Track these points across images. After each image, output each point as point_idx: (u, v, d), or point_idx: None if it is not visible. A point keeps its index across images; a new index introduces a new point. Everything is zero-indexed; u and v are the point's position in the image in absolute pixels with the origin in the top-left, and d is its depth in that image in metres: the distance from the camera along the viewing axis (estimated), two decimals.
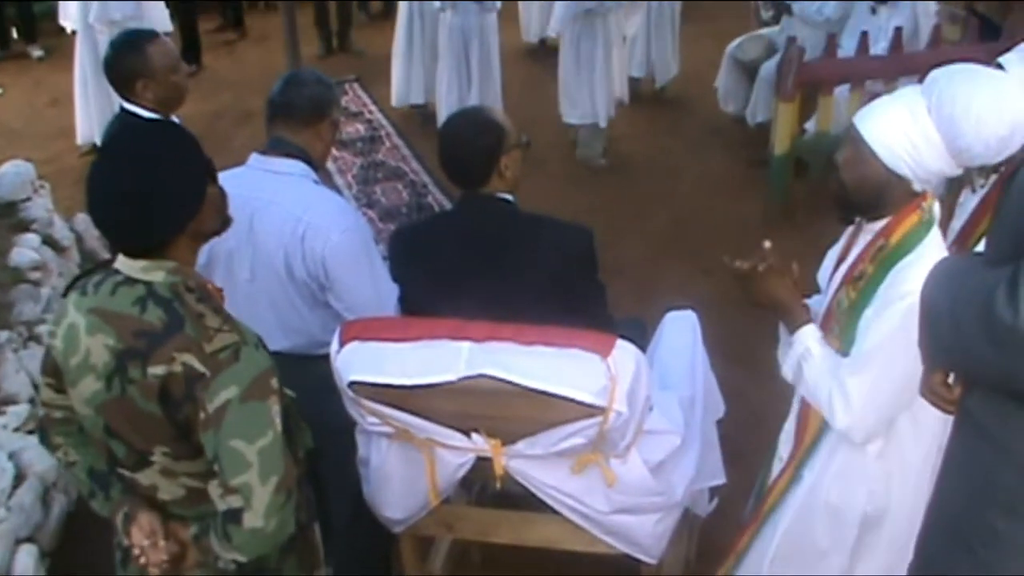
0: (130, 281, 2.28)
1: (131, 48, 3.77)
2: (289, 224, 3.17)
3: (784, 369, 2.87)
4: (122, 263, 2.31)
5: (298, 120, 3.32)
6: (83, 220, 5.83)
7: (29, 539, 3.66)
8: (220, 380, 2.20)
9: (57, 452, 2.61)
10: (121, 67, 3.75)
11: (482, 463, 2.98)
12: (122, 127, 3.69)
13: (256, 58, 9.98)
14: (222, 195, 2.44)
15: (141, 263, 2.27)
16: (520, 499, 3.21)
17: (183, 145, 2.34)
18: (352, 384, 2.87)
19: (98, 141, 7.17)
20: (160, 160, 2.28)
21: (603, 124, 7.39)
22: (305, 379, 2.70)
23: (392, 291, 3.28)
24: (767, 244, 2.84)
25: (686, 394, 3.35)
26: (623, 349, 2.79)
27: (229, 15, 10.84)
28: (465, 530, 3.32)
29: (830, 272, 2.93)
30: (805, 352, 2.76)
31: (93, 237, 5.79)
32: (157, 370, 2.21)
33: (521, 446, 2.89)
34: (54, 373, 2.44)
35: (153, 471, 2.38)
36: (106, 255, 5.51)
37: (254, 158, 3.33)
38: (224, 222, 2.47)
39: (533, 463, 2.94)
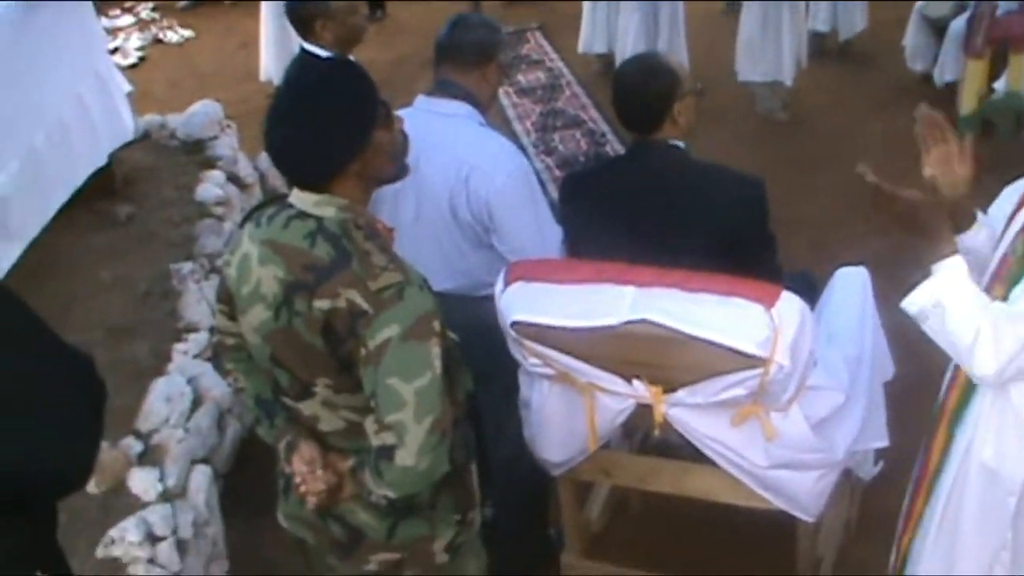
0: (302, 215, 2.34)
1: None
2: (454, 166, 3.20)
3: (914, 298, 2.51)
4: (296, 197, 2.36)
5: (464, 63, 3.33)
6: (266, 159, 5.98)
7: (204, 460, 3.81)
8: (382, 318, 2.23)
9: (228, 378, 2.71)
10: (302, 8, 3.83)
11: (642, 410, 2.97)
12: (299, 64, 3.77)
13: (440, 5, 10.05)
14: (403, 142, 2.48)
15: (314, 198, 2.33)
16: (678, 450, 3.20)
17: (353, 83, 2.37)
18: (515, 324, 2.89)
19: (277, 81, 7.35)
20: (327, 94, 2.32)
21: (788, 82, 7.20)
22: (468, 319, 2.73)
23: (556, 234, 3.29)
24: (923, 108, 2.65)
25: (853, 352, 3.28)
26: (788, 301, 2.74)
27: None
28: (623, 477, 3.33)
29: (1008, 216, 2.69)
30: (949, 286, 2.46)
31: (275, 176, 5.94)
32: (322, 304, 2.26)
33: (681, 394, 2.87)
34: (228, 301, 2.53)
35: (315, 402, 2.45)
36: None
37: (420, 100, 3.36)
38: (401, 169, 2.50)
39: (693, 412, 2.92)
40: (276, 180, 5.91)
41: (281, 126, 2.34)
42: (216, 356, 2.72)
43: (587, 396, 2.99)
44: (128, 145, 5.58)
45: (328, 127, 2.28)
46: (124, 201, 5.21)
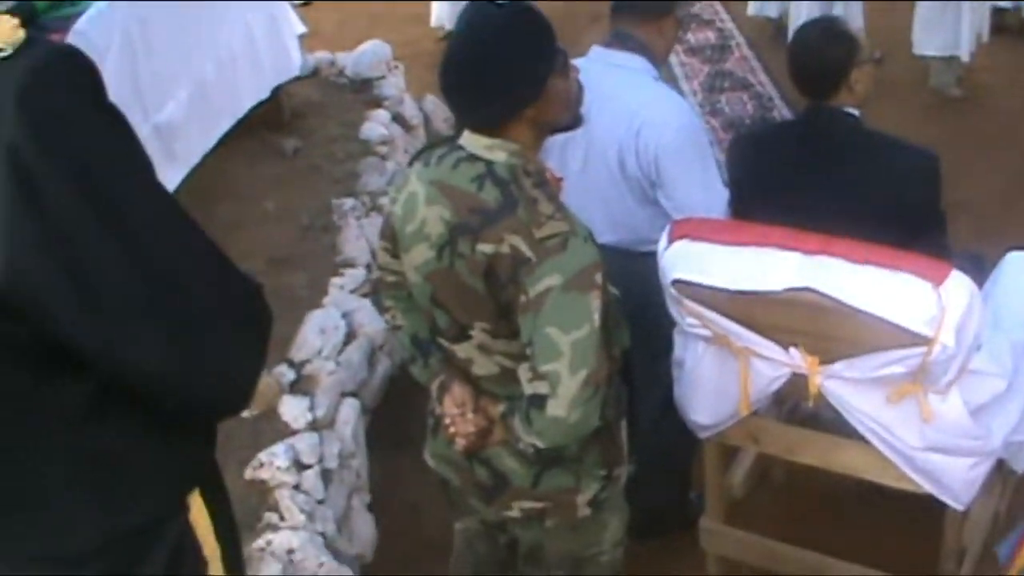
0: (472, 158, 2.33)
1: None
2: (625, 118, 3.16)
3: None
4: (467, 139, 2.36)
5: (641, 15, 3.28)
6: (432, 102, 6.04)
7: (353, 394, 3.88)
8: (545, 267, 2.22)
9: (386, 315, 2.74)
10: None
11: (796, 380, 2.92)
12: (476, 8, 3.76)
13: None
14: (578, 92, 2.45)
15: (485, 141, 2.33)
16: (828, 424, 3.14)
17: (532, 28, 2.35)
18: (676, 283, 2.86)
19: (449, 27, 7.39)
20: (506, 39, 2.31)
21: (965, 58, 6.93)
22: (627, 275, 2.71)
23: (722, 195, 3.24)
24: None
25: (1019, 339, 3.16)
26: (957, 280, 2.65)
27: None
28: (771, 445, 3.28)
29: None
30: None
31: (440, 119, 5.99)
32: (486, 248, 2.26)
33: (839, 367, 2.81)
34: (391, 238, 2.54)
35: (471, 345, 2.46)
36: None
37: (595, 50, 3.33)
38: (575, 119, 2.47)
39: (849, 386, 2.85)
40: (440, 123, 5.95)
41: (458, 68, 2.33)
42: (375, 293, 2.74)
43: (742, 361, 2.94)
44: (297, 80, 5.68)
45: (505, 71, 2.28)
46: (292, 135, 5.31)
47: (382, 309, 2.73)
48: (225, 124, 4.77)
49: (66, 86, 1.33)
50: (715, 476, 3.45)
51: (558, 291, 2.22)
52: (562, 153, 3.21)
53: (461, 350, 2.48)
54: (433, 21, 7.85)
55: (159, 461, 1.67)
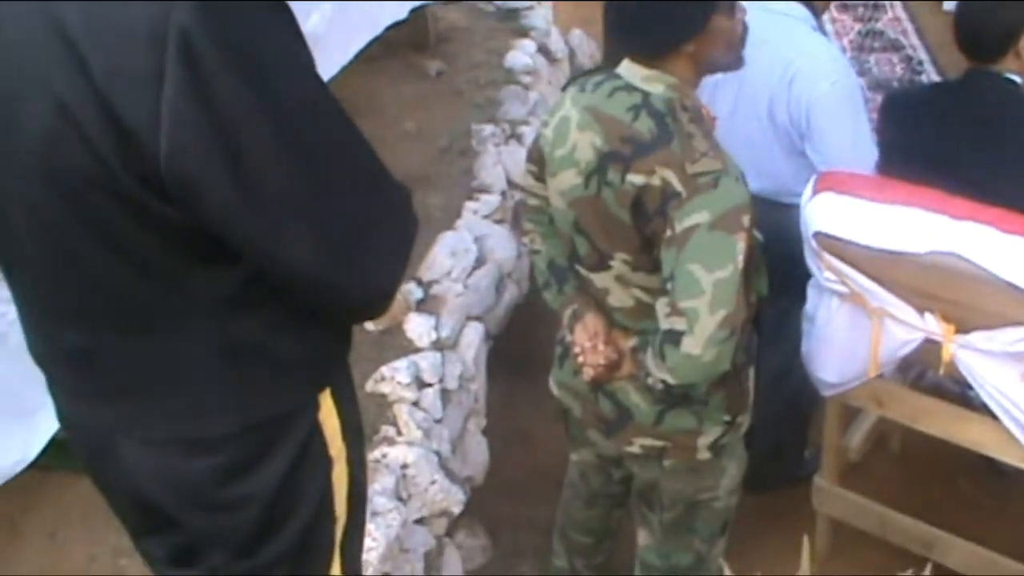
0: (629, 88, 2.32)
1: None
2: (779, 66, 3.10)
3: None
4: (625, 68, 2.34)
5: None
6: (578, 36, 6.00)
7: (478, 318, 3.90)
8: (694, 203, 2.20)
9: (525, 237, 2.74)
10: None
11: (928, 346, 2.86)
12: None
13: None
14: (743, 33, 2.41)
15: (644, 72, 2.30)
16: (951, 396, 3.09)
17: None
18: (817, 235, 2.81)
19: None
20: None
21: None
22: (766, 224, 2.68)
23: (871, 154, 3.17)
24: None
25: None
26: None
27: None
28: (895, 410, 3.22)
29: None
30: None
31: (585, 55, 5.95)
32: (636, 179, 2.25)
33: (975, 337, 2.74)
34: (538, 161, 2.54)
35: (609, 275, 2.45)
36: None
37: None
38: (736, 60, 2.44)
39: (983, 358, 2.79)
40: (586, 59, 5.92)
41: None
42: (506, 220, 2.74)
43: (875, 321, 2.89)
44: (445, 4, 5.69)
45: (672, 2, 2.25)
46: (436, 57, 5.32)
47: (521, 232, 2.73)
48: (362, 40, 4.79)
49: None
50: (833, 436, 3.41)
51: (705, 229, 2.20)
52: (712, 95, 3.16)
53: (599, 279, 2.48)
54: None
55: (296, 355, 1.70)
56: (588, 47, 5.99)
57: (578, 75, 2.53)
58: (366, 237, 1.57)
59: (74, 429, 1.85)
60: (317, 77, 1.47)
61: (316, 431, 1.76)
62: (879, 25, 7.57)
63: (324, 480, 1.80)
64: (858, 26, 7.55)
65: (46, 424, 2.87)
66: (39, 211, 1.48)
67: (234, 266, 1.52)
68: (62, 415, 1.87)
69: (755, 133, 3.19)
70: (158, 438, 1.71)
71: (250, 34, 1.34)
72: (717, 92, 3.16)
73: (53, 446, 2.91)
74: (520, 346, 4.15)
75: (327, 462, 1.80)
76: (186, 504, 1.76)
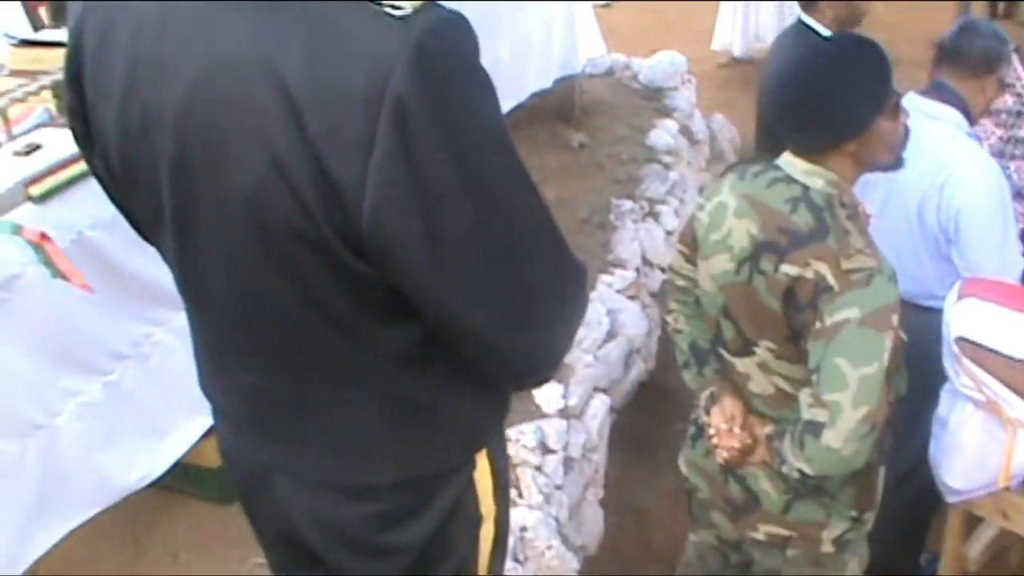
0: (788, 180, 2.36)
1: None
2: (932, 170, 3.11)
3: None
4: (785, 161, 2.39)
5: (965, 69, 3.24)
6: (719, 120, 6.06)
7: (604, 391, 3.94)
8: (846, 298, 2.23)
9: (668, 316, 2.78)
10: None
11: None
12: (802, 34, 3.76)
13: (916, 5, 9.70)
14: (904, 135, 2.45)
15: (804, 166, 2.35)
16: None
17: (872, 63, 2.36)
18: (959, 340, 2.81)
19: (737, 53, 7.42)
20: (844, 69, 2.33)
21: None
22: (907, 325, 2.68)
23: (1018, 263, 3.16)
24: None
25: None
26: None
27: None
28: (1020, 525, 3.18)
29: None
30: None
31: (725, 139, 6.01)
32: (789, 270, 2.28)
33: None
34: (690, 243, 2.58)
35: (752, 361, 2.48)
36: (732, 159, 5.74)
37: (911, 97, 3.28)
38: (896, 161, 2.48)
39: None
40: (725, 143, 5.97)
41: (788, 90, 2.37)
42: (662, 293, 2.78)
43: (1010, 431, 2.87)
44: (591, 78, 5.80)
45: (839, 101, 2.30)
46: (580, 129, 5.43)
47: (666, 311, 2.77)
48: (506, 106, 4.89)
49: (455, 50, 1.40)
50: (955, 543, 3.36)
51: (855, 324, 2.22)
52: (862, 191, 3.17)
53: (741, 364, 2.51)
54: (715, 44, 7.83)
55: (460, 416, 1.75)
56: (728, 131, 6.04)
57: (735, 164, 2.57)
58: (543, 308, 1.61)
59: (234, 461, 1.92)
60: (514, 152, 1.52)
61: (470, 489, 1.81)
62: (1022, 132, 7.48)
63: (472, 537, 1.85)
64: (1000, 132, 7.46)
65: (175, 446, 2.98)
66: (237, 254, 1.54)
67: (414, 324, 1.58)
68: (224, 446, 1.94)
69: (903, 235, 3.20)
70: (316, 480, 1.77)
71: (460, 107, 1.40)
72: (868, 189, 3.18)
73: (178, 469, 3.01)
74: (642, 422, 4.18)
75: (477, 520, 1.85)
76: (336, 547, 1.82)
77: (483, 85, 1.44)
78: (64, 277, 2.45)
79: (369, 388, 1.66)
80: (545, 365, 1.70)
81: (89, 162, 1.77)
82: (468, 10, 4.05)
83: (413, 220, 1.40)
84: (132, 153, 1.55)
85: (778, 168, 2.40)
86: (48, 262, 2.43)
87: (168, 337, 2.94)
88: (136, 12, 1.47)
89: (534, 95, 5.13)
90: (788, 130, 2.39)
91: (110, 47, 1.51)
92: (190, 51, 1.42)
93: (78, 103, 1.63)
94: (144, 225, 1.72)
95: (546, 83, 5.25)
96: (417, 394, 1.69)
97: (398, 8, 1.30)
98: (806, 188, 2.33)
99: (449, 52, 1.39)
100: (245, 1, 1.38)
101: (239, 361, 1.73)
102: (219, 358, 1.79)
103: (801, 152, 2.36)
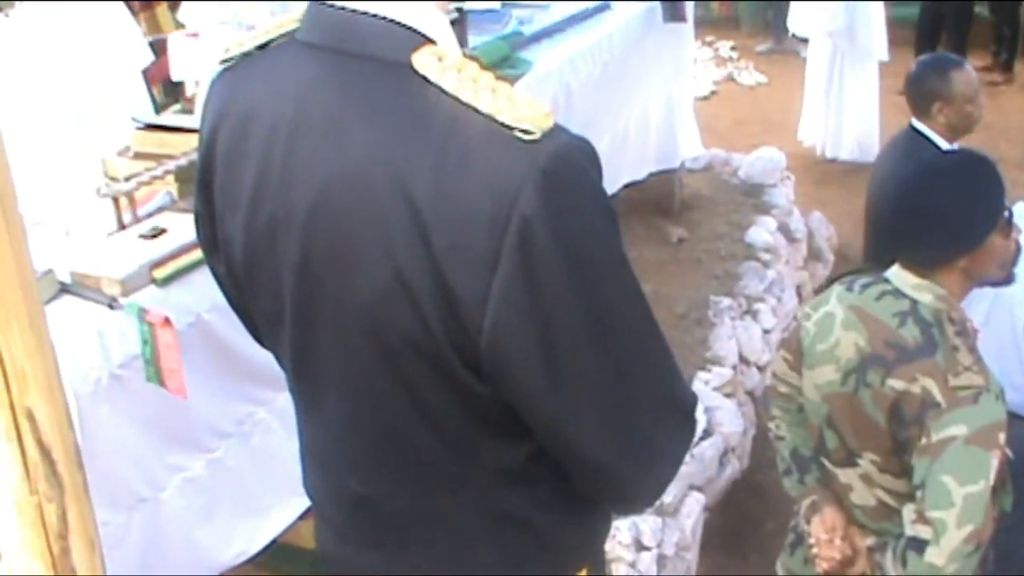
0: (897, 293, 2.36)
1: (936, 70, 3.86)
2: None
3: None
4: (894, 274, 2.40)
5: None
6: (817, 218, 6.05)
7: (699, 489, 3.92)
8: (953, 415, 2.23)
9: (771, 423, 2.78)
10: (923, 86, 3.84)
11: None
12: (913, 142, 3.77)
13: (1016, 106, 9.62)
14: (1016, 252, 2.45)
15: (914, 280, 2.35)
16: None
17: (986, 180, 2.37)
18: None
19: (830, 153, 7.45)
20: (958, 184, 2.35)
21: None
22: (1012, 436, 2.65)
23: None
24: None
25: None
26: None
27: (1001, 57, 10.52)
28: None
29: None
30: None
31: (823, 237, 5.99)
32: (896, 384, 2.28)
33: None
34: (795, 351, 2.59)
35: (855, 473, 2.47)
36: (829, 258, 5.72)
37: (1020, 208, 3.28)
38: (1007, 277, 2.48)
39: None
40: (823, 241, 5.95)
41: (900, 203, 2.39)
42: (764, 397, 2.78)
43: None
44: (690, 173, 5.84)
45: (953, 218, 2.31)
46: (679, 223, 5.47)
47: (768, 417, 2.77)
48: None
49: (581, 176, 1.43)
50: None
51: (961, 442, 2.21)
52: (966, 303, 3.17)
53: (843, 475, 2.50)
54: (805, 139, 7.82)
55: (563, 532, 1.74)
56: (826, 230, 6.03)
57: (843, 273, 2.58)
58: (653, 435, 1.62)
59: (332, 565, 1.93)
60: (634, 279, 1.54)
61: None
62: None
63: None
64: None
65: (273, 524, 3.02)
66: (354, 360, 1.56)
67: (523, 441, 1.59)
68: (323, 549, 1.94)
69: (1007, 347, 3.18)
70: None
71: (585, 233, 1.42)
72: (972, 300, 3.16)
73: (275, 548, 3.04)
74: (735, 522, 4.14)
75: None
76: None
77: (606, 211, 1.46)
78: (160, 382, 2.52)
79: (471, 501, 1.67)
80: (652, 492, 1.70)
81: (212, 266, 1.82)
82: (578, 107, 4.12)
83: (532, 340, 1.41)
84: (257, 259, 1.59)
85: (887, 281, 2.40)
86: (151, 360, 2.50)
87: (269, 417, 3.00)
88: (269, 122, 1.51)
89: (628, 186, 5.17)
90: (900, 244, 2.40)
91: (242, 157, 1.56)
92: (320, 161, 1.45)
93: (206, 209, 1.69)
94: (262, 328, 1.76)
95: (640, 175, 5.28)
96: (521, 510, 1.69)
97: (528, 133, 1.33)
98: (915, 302, 2.33)
99: (575, 178, 1.41)
100: (375, 113, 1.42)
101: (345, 467, 1.74)
102: (325, 462, 1.81)
103: (911, 266, 2.37)
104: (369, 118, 1.42)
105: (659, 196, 5.52)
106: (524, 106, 1.33)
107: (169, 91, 4.26)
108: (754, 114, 8.91)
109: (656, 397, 1.58)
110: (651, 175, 5.39)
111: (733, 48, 10.60)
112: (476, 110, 1.34)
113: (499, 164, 1.35)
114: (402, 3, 1.44)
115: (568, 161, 1.38)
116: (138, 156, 3.11)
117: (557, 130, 1.37)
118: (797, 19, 7.89)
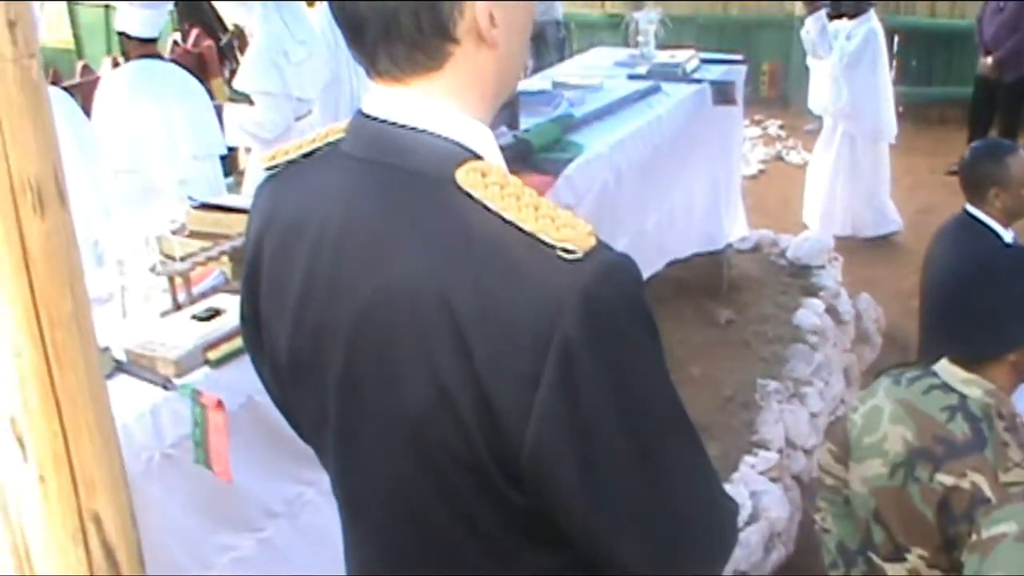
0: (945, 387, 2.37)
1: (991, 155, 3.88)
2: None
3: None
4: (943, 368, 2.40)
5: None
6: (865, 300, 6.03)
7: (744, 575, 3.89)
8: (1004, 512, 2.20)
9: (816, 515, 2.77)
10: (978, 172, 3.85)
11: None
12: (967, 230, 3.77)
13: None
14: None
15: (963, 375, 2.35)
16: None
17: None
18: None
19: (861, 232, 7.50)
20: (1012, 283, 2.35)
21: None
22: None
23: None
24: None
25: None
26: None
27: None
28: None
29: None
30: None
31: (870, 319, 5.97)
32: (945, 480, 2.28)
33: None
34: (842, 444, 2.59)
35: (903, 567, 2.45)
36: (877, 341, 5.69)
37: None
38: None
39: None
40: (870, 323, 5.93)
41: (952, 297, 2.40)
42: (810, 489, 2.78)
43: None
44: (739, 253, 5.85)
45: (1005, 315, 2.32)
46: (726, 305, 5.48)
47: (814, 508, 2.77)
48: (645, 273, 4.93)
49: (623, 293, 1.44)
50: None
51: (1012, 539, 2.19)
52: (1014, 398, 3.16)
53: (891, 569, 2.48)
54: (808, 221, 7.83)
55: None
56: (874, 312, 6.00)
57: (892, 367, 2.59)
58: (692, 545, 1.62)
59: None
60: (675, 393, 1.54)
61: None
62: None
63: None
64: None
65: None
66: (397, 468, 1.58)
67: (562, 548, 1.60)
68: None
69: None
70: None
71: (626, 351, 1.43)
72: (1019, 393, 3.15)
73: None
74: None
75: None
76: None
77: (647, 328, 1.48)
78: (207, 464, 2.56)
79: None
80: None
81: (257, 366, 1.85)
82: (626, 189, 4.13)
83: (573, 457, 1.42)
84: (302, 366, 1.62)
85: (935, 375, 2.41)
86: (201, 442, 2.54)
87: (318, 497, 3.02)
88: (315, 232, 1.54)
89: (672, 263, 5.19)
90: (950, 338, 2.41)
91: (288, 265, 1.58)
92: (365, 274, 1.47)
93: (253, 314, 1.72)
94: (307, 430, 1.78)
95: (682, 254, 5.29)
96: None
97: (569, 252, 1.36)
98: (964, 397, 2.33)
99: (617, 296, 1.42)
100: (419, 229, 1.44)
101: (384, 567, 1.75)
102: (365, 562, 1.84)
103: (960, 360, 2.37)
104: (413, 233, 1.45)
105: (707, 277, 5.53)
106: (566, 225, 1.35)
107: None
108: (802, 192, 8.90)
109: (695, 507, 1.59)
110: (696, 255, 5.41)
111: (781, 127, 10.64)
112: (519, 228, 1.37)
113: (542, 283, 1.36)
114: (447, 116, 1.46)
115: (610, 281, 1.39)
116: (193, 235, 3.15)
117: (599, 248, 1.38)
118: (812, 96, 8.12)
